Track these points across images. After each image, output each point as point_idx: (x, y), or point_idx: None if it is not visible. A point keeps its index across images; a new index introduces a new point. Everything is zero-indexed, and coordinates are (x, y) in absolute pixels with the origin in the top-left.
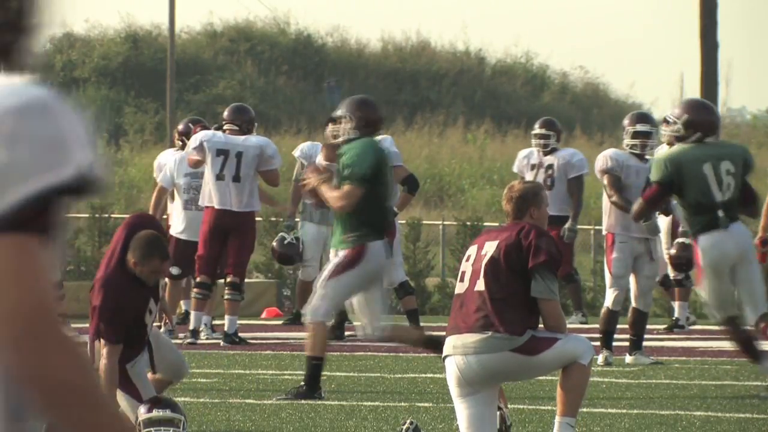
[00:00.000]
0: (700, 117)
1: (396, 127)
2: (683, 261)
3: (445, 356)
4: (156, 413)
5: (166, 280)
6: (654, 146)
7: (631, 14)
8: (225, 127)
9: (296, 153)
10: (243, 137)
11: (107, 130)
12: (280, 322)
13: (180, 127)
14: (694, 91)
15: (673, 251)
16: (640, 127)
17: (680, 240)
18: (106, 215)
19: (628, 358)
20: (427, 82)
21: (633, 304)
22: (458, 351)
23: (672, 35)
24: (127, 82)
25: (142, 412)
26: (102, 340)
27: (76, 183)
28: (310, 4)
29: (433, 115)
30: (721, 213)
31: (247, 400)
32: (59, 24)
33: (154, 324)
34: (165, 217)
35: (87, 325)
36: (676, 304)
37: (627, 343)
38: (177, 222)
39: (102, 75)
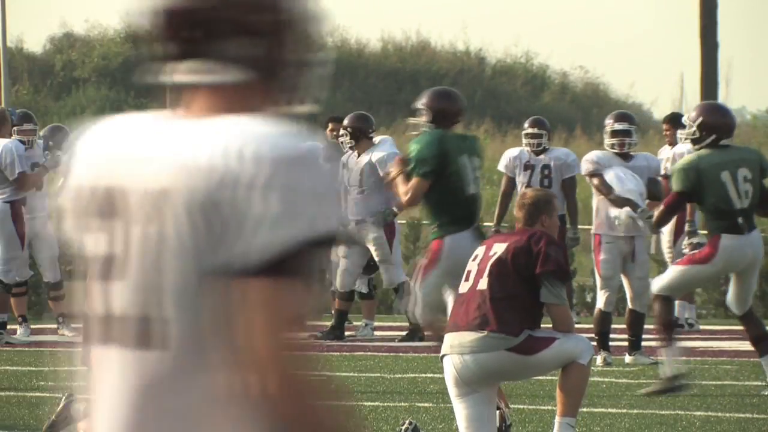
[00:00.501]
0: (715, 119)
1: (396, 127)
2: None
3: (443, 355)
4: None
5: None
6: (634, 144)
7: (631, 14)
8: None
9: None
10: None
11: None
12: None
13: None
14: (694, 91)
15: (685, 251)
16: (617, 126)
17: (692, 241)
18: None
19: (628, 358)
20: (427, 82)
21: (629, 305)
22: (455, 350)
23: (672, 35)
24: (127, 82)
25: None
26: None
27: (328, 236)
28: (309, 4)
29: None
30: (741, 220)
31: None
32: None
33: None
34: None
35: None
36: (676, 303)
37: (626, 344)
38: None
39: (102, 75)
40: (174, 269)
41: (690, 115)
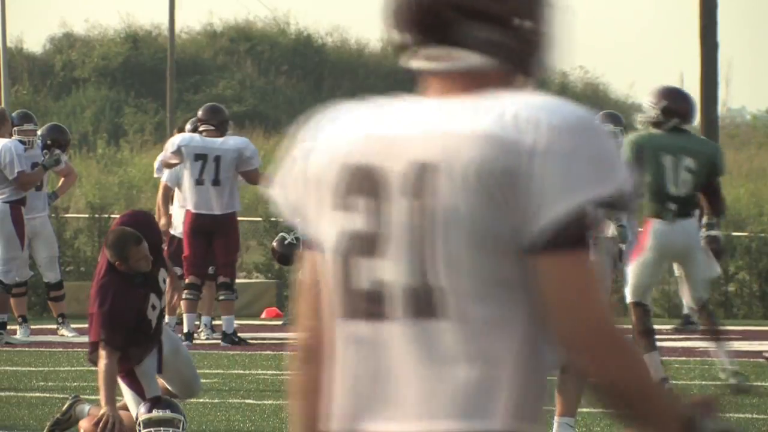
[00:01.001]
0: (678, 104)
1: None
2: (713, 253)
3: None
4: (156, 413)
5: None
6: (620, 144)
7: (631, 14)
8: (201, 128)
9: None
10: (221, 140)
11: (107, 130)
12: (280, 322)
13: (188, 126)
14: (694, 91)
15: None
16: None
17: (708, 233)
18: (106, 215)
19: None
20: None
21: None
22: None
23: (672, 35)
24: (127, 82)
25: (142, 411)
26: (102, 342)
27: (615, 198)
28: (310, 4)
29: None
30: (672, 206)
31: (247, 401)
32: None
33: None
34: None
35: (87, 325)
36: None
37: None
38: (179, 221)
39: (102, 75)
40: (450, 240)
41: (652, 99)
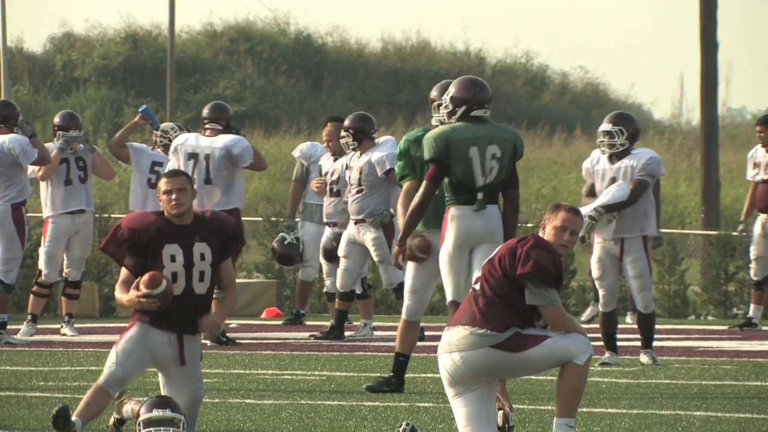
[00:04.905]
0: (465, 93)
1: (396, 127)
2: None
3: (438, 355)
4: (156, 413)
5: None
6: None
7: (631, 14)
8: (207, 126)
9: (296, 153)
10: (211, 138)
11: (107, 130)
12: (280, 322)
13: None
14: (694, 91)
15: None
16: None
17: None
18: (106, 215)
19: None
20: (427, 82)
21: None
22: (444, 349)
23: (672, 35)
24: (127, 82)
25: (143, 411)
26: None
27: None
28: (310, 4)
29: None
30: (480, 196)
31: (247, 400)
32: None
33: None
34: None
35: (86, 325)
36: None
37: (629, 344)
38: None
39: (102, 75)
40: None
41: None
